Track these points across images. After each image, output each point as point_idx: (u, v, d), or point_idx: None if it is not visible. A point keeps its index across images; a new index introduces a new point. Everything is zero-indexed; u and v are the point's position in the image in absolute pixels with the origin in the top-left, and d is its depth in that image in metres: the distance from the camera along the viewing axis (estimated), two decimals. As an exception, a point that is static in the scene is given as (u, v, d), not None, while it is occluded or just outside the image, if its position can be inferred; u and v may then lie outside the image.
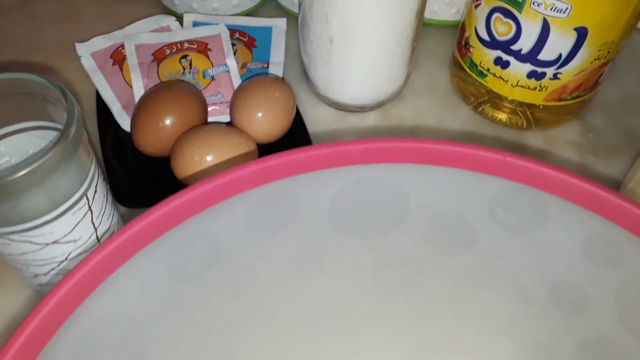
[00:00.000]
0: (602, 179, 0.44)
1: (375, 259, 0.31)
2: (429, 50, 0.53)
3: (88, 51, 0.48)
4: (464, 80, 0.47)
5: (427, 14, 0.53)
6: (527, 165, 0.27)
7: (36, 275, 0.32)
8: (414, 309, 0.32)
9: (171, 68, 0.46)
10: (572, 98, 0.43)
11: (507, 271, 0.30)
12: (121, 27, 0.50)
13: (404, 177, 0.29)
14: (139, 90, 0.45)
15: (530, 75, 0.41)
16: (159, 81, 0.45)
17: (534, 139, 0.46)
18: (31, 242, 0.29)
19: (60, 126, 0.30)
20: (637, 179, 0.38)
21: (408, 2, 0.40)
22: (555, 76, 0.41)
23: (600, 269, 0.28)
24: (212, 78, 0.46)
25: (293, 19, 0.54)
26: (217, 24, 0.49)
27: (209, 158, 0.39)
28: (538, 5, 0.38)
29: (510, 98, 0.44)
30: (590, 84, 0.43)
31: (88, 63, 0.47)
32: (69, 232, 0.30)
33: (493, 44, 0.42)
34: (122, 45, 0.48)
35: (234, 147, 0.39)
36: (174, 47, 0.47)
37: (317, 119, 0.47)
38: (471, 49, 0.44)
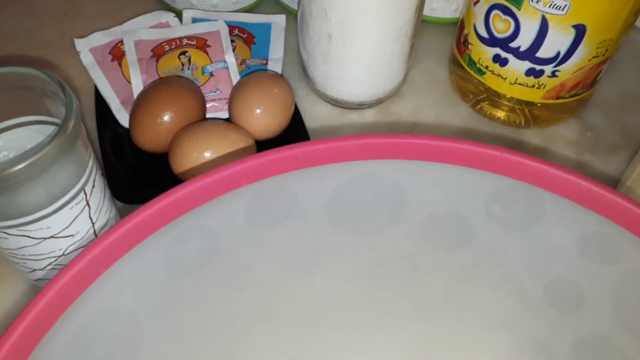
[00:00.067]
0: (599, 177, 0.44)
1: (372, 255, 0.31)
2: (428, 48, 0.53)
3: (87, 47, 0.48)
4: (463, 77, 0.47)
5: (427, 11, 0.53)
6: (525, 162, 0.27)
7: (33, 270, 0.32)
8: (411, 305, 0.32)
9: (170, 64, 0.46)
10: (570, 96, 0.43)
11: (504, 268, 0.30)
12: (120, 23, 0.50)
13: (401, 173, 0.29)
14: (137, 86, 0.45)
15: (529, 72, 0.42)
16: (157, 77, 0.45)
17: (532, 136, 0.46)
18: (29, 237, 0.29)
19: (58, 121, 0.30)
20: (634, 176, 0.38)
21: (407, -1, 0.40)
22: (553, 74, 0.41)
23: (597, 266, 0.28)
24: (211, 74, 0.46)
25: (292, 15, 0.54)
26: (216, 20, 0.49)
27: (207, 154, 0.39)
28: (537, 2, 0.38)
29: (508, 96, 0.44)
30: (588, 82, 0.43)
31: (87, 59, 0.47)
32: (67, 227, 0.30)
33: (492, 41, 0.42)
34: (121, 41, 0.48)
35: (233, 143, 0.39)
36: (173, 43, 0.47)
37: (316, 116, 0.47)
38: (470, 46, 0.44)
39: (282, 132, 0.44)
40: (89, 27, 0.51)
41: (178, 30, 0.48)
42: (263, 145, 0.42)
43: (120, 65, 0.47)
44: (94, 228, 0.32)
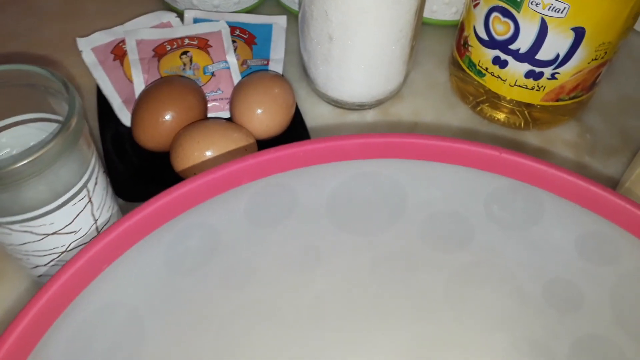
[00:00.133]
0: (598, 179, 0.44)
1: (372, 254, 0.31)
2: (429, 50, 0.53)
3: (89, 46, 0.48)
4: (463, 79, 0.47)
5: (427, 14, 0.53)
6: (523, 162, 0.27)
7: (36, 266, 0.32)
8: (410, 305, 0.32)
9: (172, 64, 0.46)
10: (570, 98, 0.43)
11: (503, 268, 0.31)
12: (122, 23, 0.50)
13: (401, 172, 0.29)
14: (139, 85, 0.45)
15: (528, 74, 0.42)
16: (159, 77, 0.45)
17: (532, 138, 0.46)
18: (32, 233, 0.29)
19: (61, 118, 0.30)
20: (633, 178, 0.38)
21: (407, 1, 0.40)
22: (552, 76, 0.41)
23: (596, 266, 0.28)
24: (212, 74, 0.46)
25: (293, 16, 0.54)
26: (218, 20, 0.50)
27: (208, 153, 0.39)
28: (536, 4, 0.38)
29: (508, 98, 0.44)
30: (587, 85, 0.43)
31: (89, 58, 0.47)
32: (69, 223, 0.30)
33: (491, 43, 0.42)
34: (123, 41, 0.48)
35: (234, 142, 0.40)
36: (175, 43, 0.47)
37: (317, 116, 0.47)
38: (470, 48, 0.44)
39: (283, 132, 0.44)
40: (91, 26, 0.51)
41: (180, 30, 0.49)
42: (264, 145, 0.43)
43: (122, 65, 0.47)
44: (96, 225, 0.32)
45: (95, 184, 0.31)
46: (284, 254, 0.30)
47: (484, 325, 0.32)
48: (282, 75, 0.47)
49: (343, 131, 0.47)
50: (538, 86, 0.42)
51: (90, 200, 0.31)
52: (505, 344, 0.32)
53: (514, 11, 0.39)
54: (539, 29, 0.39)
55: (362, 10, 0.40)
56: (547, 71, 0.41)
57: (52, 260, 0.32)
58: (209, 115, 0.45)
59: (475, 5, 0.43)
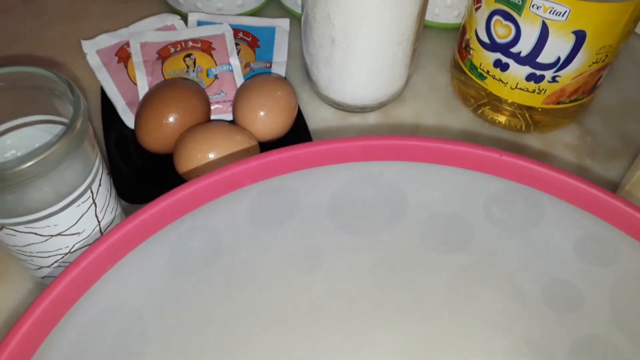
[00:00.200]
0: (599, 182, 0.44)
1: (373, 255, 0.32)
2: (431, 53, 0.53)
3: (94, 48, 0.48)
4: (464, 82, 0.47)
5: (429, 17, 0.53)
6: (523, 164, 0.28)
7: (40, 267, 0.33)
8: (411, 306, 0.33)
9: (175, 66, 0.46)
10: (571, 101, 0.44)
11: (503, 269, 0.31)
12: (126, 25, 0.51)
13: (402, 174, 0.29)
14: (143, 87, 0.46)
15: (529, 77, 0.42)
16: (163, 79, 0.46)
17: (533, 141, 0.47)
18: (36, 234, 0.30)
19: (66, 120, 0.30)
20: (633, 181, 0.38)
21: (409, 4, 0.40)
22: (553, 79, 0.42)
23: (594, 268, 0.28)
24: (216, 77, 0.46)
25: (296, 19, 0.54)
26: (221, 23, 0.50)
27: (211, 155, 0.39)
28: (537, 8, 0.38)
29: (509, 100, 0.44)
30: (588, 88, 0.43)
31: (93, 60, 0.48)
32: (73, 225, 0.30)
33: (493, 46, 0.42)
34: (128, 43, 0.48)
35: (236, 144, 0.40)
36: (179, 45, 0.48)
37: (319, 119, 0.48)
38: (471, 51, 0.45)
39: (285, 134, 0.44)
40: (95, 28, 0.52)
41: (183, 33, 0.49)
42: (266, 147, 0.43)
43: (126, 67, 0.47)
44: (99, 226, 0.32)
45: (99, 185, 0.31)
46: (286, 255, 0.31)
47: (483, 326, 0.32)
48: (285, 78, 0.48)
49: (345, 133, 0.47)
50: (539, 89, 0.42)
51: (94, 202, 0.31)
52: (504, 344, 0.32)
53: (515, 14, 0.40)
54: (540, 32, 0.39)
55: (364, 13, 0.40)
56: (548, 74, 0.41)
57: (56, 262, 0.32)
58: (212, 117, 0.45)
59: (476, 9, 0.43)
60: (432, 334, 0.33)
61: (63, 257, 0.32)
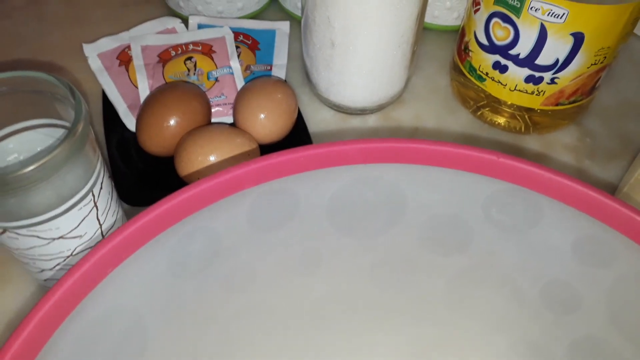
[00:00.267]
0: (598, 183, 0.44)
1: (372, 257, 0.32)
2: (430, 55, 0.53)
3: (95, 52, 0.49)
4: (464, 84, 0.47)
5: (429, 19, 0.53)
6: (520, 166, 0.28)
7: (42, 270, 0.33)
8: (410, 307, 0.33)
9: (176, 69, 0.47)
10: (569, 103, 0.44)
11: (501, 271, 0.31)
12: (128, 29, 0.51)
13: (401, 177, 0.30)
14: (144, 90, 0.46)
15: (528, 79, 0.42)
16: (164, 82, 0.46)
17: (532, 143, 0.47)
18: (38, 237, 0.30)
19: (68, 124, 0.31)
20: (631, 183, 0.39)
21: (408, 6, 0.40)
22: (552, 81, 0.42)
23: (592, 269, 0.29)
24: (216, 79, 0.47)
25: (296, 22, 0.55)
26: (222, 26, 0.50)
27: (212, 158, 0.39)
28: (536, 10, 0.38)
29: (508, 102, 0.45)
30: (587, 89, 0.43)
31: (95, 64, 0.48)
32: (75, 228, 0.31)
33: (492, 48, 0.43)
34: (129, 47, 0.49)
35: (237, 147, 0.40)
36: (179, 48, 0.48)
37: (319, 121, 0.48)
38: (470, 53, 0.45)
39: (285, 136, 0.44)
40: (97, 32, 0.52)
41: (184, 36, 0.49)
42: (267, 149, 0.43)
43: (127, 70, 0.47)
44: (101, 229, 0.33)
45: (101, 188, 0.31)
46: (286, 257, 0.31)
47: (482, 327, 0.32)
48: (285, 81, 0.48)
49: (345, 135, 0.47)
50: (538, 91, 0.43)
51: (95, 205, 0.31)
52: (503, 345, 0.32)
53: (513, 17, 0.40)
54: (539, 34, 0.40)
55: (363, 16, 0.40)
56: (547, 76, 0.42)
57: (57, 265, 0.32)
58: (213, 120, 0.46)
59: (475, 11, 0.43)
60: (431, 335, 0.33)
61: (65, 260, 0.32)
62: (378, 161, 0.29)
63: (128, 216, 0.38)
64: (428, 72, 0.52)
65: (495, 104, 0.46)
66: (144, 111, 0.42)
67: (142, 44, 0.48)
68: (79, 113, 0.28)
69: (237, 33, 0.50)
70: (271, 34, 0.52)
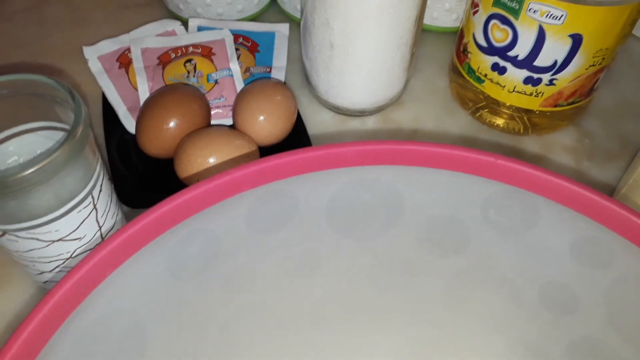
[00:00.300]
0: (597, 184, 0.44)
1: (371, 258, 0.32)
2: (429, 56, 0.53)
3: (95, 54, 0.49)
4: (463, 86, 0.47)
5: (428, 21, 0.54)
6: (518, 167, 0.28)
7: (41, 272, 0.33)
8: (408, 308, 0.33)
9: (176, 72, 0.47)
10: (568, 104, 0.44)
11: (499, 272, 0.31)
12: (128, 31, 0.51)
13: (399, 178, 0.30)
14: (144, 93, 0.46)
15: (527, 81, 0.42)
16: (163, 84, 0.46)
17: (531, 144, 0.47)
18: (37, 239, 0.30)
19: (67, 127, 0.31)
20: (630, 184, 0.39)
21: (407, 8, 0.40)
22: (551, 82, 0.42)
23: (590, 270, 0.29)
24: (216, 82, 0.47)
25: (295, 24, 0.55)
26: (222, 28, 0.50)
27: (211, 160, 0.39)
28: (534, 12, 0.38)
29: (507, 104, 0.45)
30: (585, 90, 0.43)
31: (95, 66, 0.48)
32: (74, 230, 0.31)
33: (490, 50, 0.43)
34: (129, 49, 0.49)
35: (236, 149, 0.40)
36: (179, 51, 0.48)
37: (318, 123, 0.48)
38: (469, 55, 0.45)
39: (284, 138, 0.44)
40: (97, 35, 0.52)
41: (184, 38, 0.49)
42: (266, 151, 0.43)
43: (127, 73, 0.48)
44: (100, 231, 0.33)
45: (100, 191, 0.32)
46: (284, 258, 0.31)
47: (480, 328, 0.32)
48: (284, 83, 0.48)
49: (344, 137, 0.47)
50: (536, 92, 0.43)
51: (95, 207, 0.31)
52: (501, 346, 0.32)
53: (512, 18, 0.40)
54: (537, 36, 0.40)
55: (362, 18, 0.41)
56: (546, 77, 0.42)
57: (57, 267, 0.32)
58: (212, 122, 0.46)
59: (474, 13, 0.43)
60: (430, 336, 0.33)
61: (64, 262, 0.32)
62: (376, 163, 0.29)
63: (128, 218, 0.38)
64: (427, 73, 0.52)
65: (494, 106, 0.46)
66: (143, 113, 0.42)
67: (142, 46, 0.48)
68: (79, 116, 0.28)
69: (236, 35, 0.51)
70: (270, 36, 0.52)
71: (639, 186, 0.38)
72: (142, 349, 0.27)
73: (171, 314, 0.28)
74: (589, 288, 0.29)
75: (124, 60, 0.48)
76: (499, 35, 0.42)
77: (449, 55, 0.53)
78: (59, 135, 0.31)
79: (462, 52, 0.46)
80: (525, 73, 0.42)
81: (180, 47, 0.48)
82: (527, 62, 0.41)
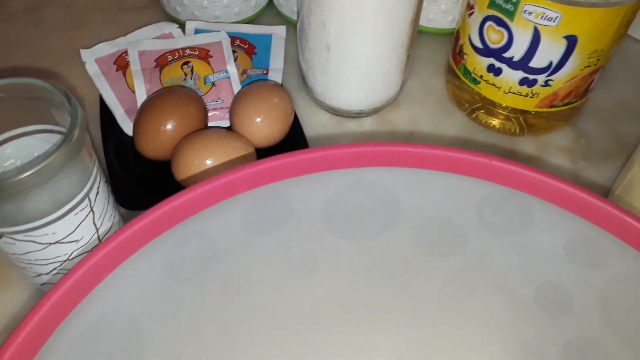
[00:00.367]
0: (593, 184, 0.45)
1: (367, 259, 0.32)
2: (426, 58, 0.54)
3: (92, 57, 0.49)
4: (459, 87, 0.48)
5: (424, 22, 0.54)
6: (513, 169, 0.28)
7: (39, 275, 0.33)
8: (405, 309, 0.33)
9: (173, 74, 0.47)
10: (564, 104, 0.44)
11: (495, 272, 0.31)
12: (125, 34, 0.51)
13: (395, 180, 0.30)
14: (141, 95, 0.46)
15: (522, 82, 0.42)
16: (161, 87, 0.46)
17: (527, 144, 0.47)
18: (35, 242, 0.30)
19: (64, 129, 0.31)
20: (624, 184, 0.39)
21: (403, 10, 0.41)
22: (546, 83, 0.42)
23: (585, 270, 0.29)
24: (213, 84, 0.47)
25: (292, 26, 0.55)
26: (219, 31, 0.51)
27: (208, 162, 0.39)
28: (529, 13, 0.39)
29: (503, 104, 0.45)
30: (581, 91, 0.43)
31: (92, 69, 0.48)
32: (71, 233, 0.31)
33: (486, 51, 0.43)
34: (126, 52, 0.49)
35: (233, 151, 0.40)
36: (176, 53, 0.48)
37: (315, 124, 0.48)
38: (465, 56, 0.45)
39: (281, 140, 0.44)
40: (94, 37, 0.52)
41: (181, 40, 0.50)
42: (263, 153, 0.43)
43: (124, 75, 0.48)
44: (97, 233, 0.33)
45: (97, 193, 0.32)
46: (281, 260, 0.31)
47: (477, 328, 0.32)
48: (281, 85, 0.48)
49: (341, 138, 0.47)
50: (532, 93, 0.43)
51: (92, 210, 0.31)
52: (498, 346, 0.32)
53: (507, 20, 0.40)
54: (532, 38, 0.40)
55: (358, 20, 0.41)
56: (541, 78, 0.42)
57: (54, 269, 0.32)
58: (210, 124, 0.46)
59: (470, 15, 0.43)
60: (427, 336, 0.33)
61: (62, 264, 0.32)
62: (372, 165, 0.29)
63: (125, 220, 0.38)
64: (423, 75, 0.52)
65: (490, 107, 0.46)
66: (141, 116, 0.42)
67: (139, 49, 0.48)
68: (75, 119, 0.29)
69: (233, 37, 0.51)
70: (267, 38, 0.52)
71: (633, 187, 0.38)
72: (140, 350, 0.27)
73: (169, 316, 0.28)
74: (584, 288, 0.29)
75: (121, 63, 0.48)
76: (495, 36, 0.42)
77: (445, 56, 0.53)
78: (56, 138, 0.32)
79: (458, 54, 0.46)
80: (520, 74, 0.42)
81: (177, 50, 0.49)
82: (522, 64, 0.41)
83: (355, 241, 0.32)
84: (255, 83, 0.45)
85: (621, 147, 0.47)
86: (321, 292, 0.32)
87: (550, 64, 0.41)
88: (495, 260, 0.31)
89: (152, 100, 0.43)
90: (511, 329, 0.32)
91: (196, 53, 0.48)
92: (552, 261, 0.29)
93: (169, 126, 0.41)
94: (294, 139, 0.45)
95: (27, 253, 0.31)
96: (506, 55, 0.42)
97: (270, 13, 0.57)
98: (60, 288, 0.23)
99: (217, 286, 0.30)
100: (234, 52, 0.49)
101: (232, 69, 0.48)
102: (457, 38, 0.46)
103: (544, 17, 0.38)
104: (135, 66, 0.47)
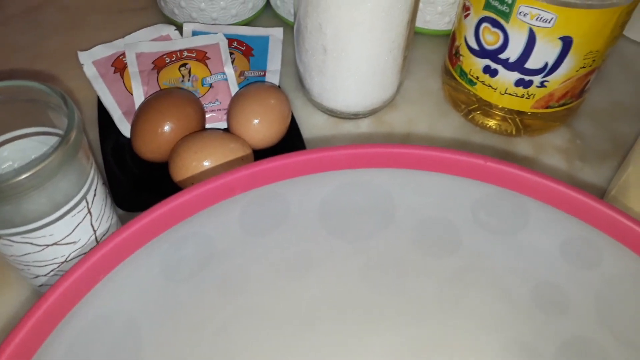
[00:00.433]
0: (589, 185, 0.45)
1: (364, 260, 0.32)
2: (422, 59, 0.54)
3: (90, 59, 0.49)
4: (455, 88, 0.48)
5: (420, 24, 0.54)
6: (508, 170, 0.28)
7: (36, 276, 0.33)
8: (402, 309, 0.33)
9: (171, 76, 0.47)
10: (560, 105, 0.44)
11: (492, 272, 0.31)
12: (122, 36, 0.51)
13: (391, 181, 0.30)
14: (139, 97, 0.46)
15: (518, 83, 0.43)
16: (158, 89, 0.46)
17: (523, 145, 0.47)
18: (32, 244, 0.30)
19: (61, 132, 0.31)
20: (620, 185, 0.39)
21: (399, 12, 0.41)
22: (542, 84, 0.42)
23: (581, 270, 0.29)
24: (210, 86, 0.47)
25: (289, 28, 0.55)
26: (216, 33, 0.51)
27: (206, 163, 0.40)
28: (524, 15, 0.39)
29: (499, 105, 0.45)
30: (576, 92, 0.44)
31: (90, 71, 0.48)
32: (69, 234, 0.31)
33: (482, 52, 0.43)
34: (124, 54, 0.49)
35: (231, 152, 0.40)
36: (174, 55, 0.48)
37: (312, 126, 0.48)
38: (461, 57, 0.45)
39: (279, 141, 0.45)
40: (92, 39, 0.52)
41: (179, 43, 0.50)
42: (260, 154, 0.43)
43: (122, 77, 0.48)
44: (95, 235, 0.33)
45: (94, 195, 0.32)
46: (278, 261, 0.31)
47: (474, 328, 0.32)
48: (279, 86, 0.48)
49: (338, 140, 0.47)
50: (528, 94, 0.43)
51: (89, 212, 0.31)
52: (495, 346, 0.32)
53: (503, 22, 0.40)
54: (528, 39, 0.40)
55: (354, 22, 0.41)
56: (537, 79, 0.42)
57: (52, 270, 0.33)
58: (207, 125, 0.46)
59: (465, 16, 0.43)
60: (424, 337, 0.33)
61: (59, 265, 0.32)
62: (368, 166, 0.30)
63: (123, 221, 0.38)
64: (420, 76, 0.53)
65: (486, 108, 0.46)
66: (138, 117, 0.42)
67: (136, 51, 0.49)
68: (72, 121, 0.29)
69: (231, 39, 0.51)
70: (265, 40, 0.52)
71: (629, 187, 0.38)
72: (137, 351, 0.27)
73: (167, 316, 0.28)
74: (580, 288, 0.29)
75: (119, 65, 0.49)
76: (490, 38, 0.42)
77: (441, 58, 0.54)
78: (53, 140, 0.32)
79: (454, 55, 0.46)
80: (516, 75, 0.42)
81: (175, 52, 0.49)
82: (518, 65, 0.42)
83: (352, 242, 0.32)
84: (252, 85, 0.46)
85: (617, 147, 0.47)
86: (318, 293, 0.32)
87: (546, 65, 0.41)
88: (491, 261, 0.31)
89: (150, 102, 0.43)
90: (508, 329, 0.32)
91: (194, 55, 0.48)
92: (548, 261, 0.30)
93: (166, 128, 0.41)
94: (291, 140, 0.45)
95: (24, 255, 0.31)
96: (502, 56, 0.42)
97: (267, 15, 0.57)
98: (58, 289, 0.23)
99: (214, 287, 0.30)
100: (231, 54, 0.49)
101: (229, 71, 0.48)
102: (453, 39, 0.46)
103: (539, 19, 0.39)
104: (132, 68, 0.47)
